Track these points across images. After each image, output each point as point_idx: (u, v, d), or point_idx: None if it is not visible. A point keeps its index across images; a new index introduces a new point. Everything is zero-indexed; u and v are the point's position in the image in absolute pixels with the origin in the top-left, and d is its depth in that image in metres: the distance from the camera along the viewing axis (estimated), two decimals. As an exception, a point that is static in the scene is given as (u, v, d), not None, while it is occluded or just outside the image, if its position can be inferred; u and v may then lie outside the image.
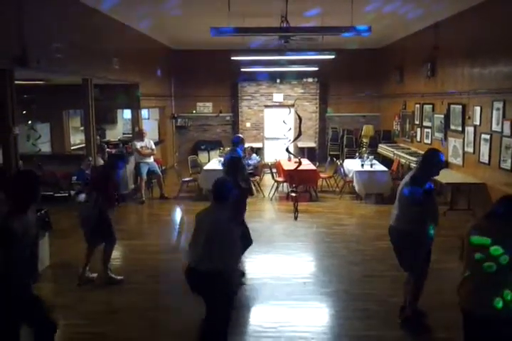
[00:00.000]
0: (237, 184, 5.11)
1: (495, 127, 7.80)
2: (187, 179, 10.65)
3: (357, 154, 11.81)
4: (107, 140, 13.78)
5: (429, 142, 10.73)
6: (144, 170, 9.97)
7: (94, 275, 5.76)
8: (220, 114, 15.41)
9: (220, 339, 3.80)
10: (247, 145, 8.71)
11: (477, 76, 8.52)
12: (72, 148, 12.25)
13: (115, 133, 14.77)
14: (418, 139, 11.62)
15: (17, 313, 3.39)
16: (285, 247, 6.97)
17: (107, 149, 11.40)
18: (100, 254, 5.75)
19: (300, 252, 6.83)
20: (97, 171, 7.08)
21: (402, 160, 10.92)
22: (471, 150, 8.71)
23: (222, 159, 10.06)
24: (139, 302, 5.15)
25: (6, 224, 3.32)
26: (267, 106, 15.44)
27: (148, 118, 14.17)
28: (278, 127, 13.95)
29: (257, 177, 10.78)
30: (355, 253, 6.73)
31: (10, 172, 6.08)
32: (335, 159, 11.82)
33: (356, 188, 9.84)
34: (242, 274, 5.88)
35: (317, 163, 11.72)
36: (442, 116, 9.95)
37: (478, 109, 8.40)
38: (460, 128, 9.15)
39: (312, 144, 15.18)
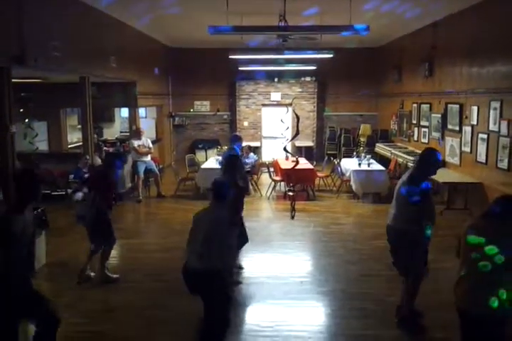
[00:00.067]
0: (234, 183, 5.12)
1: (492, 127, 7.81)
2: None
3: (354, 153, 11.84)
4: (104, 138, 13.75)
5: (427, 141, 10.74)
6: (141, 169, 9.95)
7: (93, 273, 5.76)
8: (218, 113, 15.39)
9: (218, 339, 3.80)
10: (244, 144, 8.69)
11: (475, 76, 8.53)
12: (69, 146, 12.22)
13: (112, 132, 14.74)
14: (415, 138, 11.64)
15: (17, 309, 3.39)
16: (282, 246, 6.97)
17: (104, 148, 11.40)
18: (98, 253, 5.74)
19: (297, 251, 6.83)
20: (96, 170, 7.06)
21: (400, 160, 10.93)
22: (468, 149, 8.72)
23: (219, 158, 10.07)
24: (136, 301, 5.15)
25: (5, 225, 3.31)
26: (264, 105, 15.43)
27: (146, 117, 14.15)
28: (276, 126, 13.93)
29: (255, 176, 10.78)
30: (352, 252, 6.74)
31: (7, 170, 6.06)
32: (332, 158, 11.84)
33: (353, 187, 9.85)
34: (240, 268, 5.89)
35: (314, 162, 11.72)
36: (440, 115, 9.97)
37: (475, 108, 8.41)
38: (457, 128, 9.16)
39: (310, 143, 15.19)
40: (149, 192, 10.49)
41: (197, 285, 3.75)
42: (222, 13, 7.87)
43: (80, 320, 4.72)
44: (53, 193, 9.16)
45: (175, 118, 15.26)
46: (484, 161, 8.09)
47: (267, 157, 14.32)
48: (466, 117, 8.79)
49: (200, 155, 14.15)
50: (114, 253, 5.93)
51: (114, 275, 5.70)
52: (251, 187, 9.80)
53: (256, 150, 13.63)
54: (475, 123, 8.43)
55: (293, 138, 8.19)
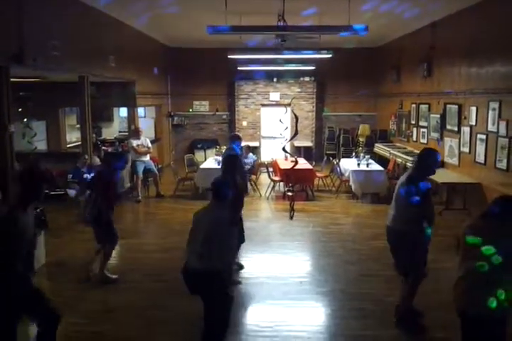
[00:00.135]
0: (234, 183, 5.12)
1: (491, 127, 7.82)
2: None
3: (353, 153, 11.85)
4: (103, 138, 13.75)
5: (425, 142, 10.75)
6: (140, 169, 9.95)
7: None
8: (217, 113, 15.38)
9: (218, 339, 3.80)
10: (243, 144, 8.69)
11: (473, 76, 8.54)
12: (68, 146, 12.21)
13: (111, 132, 14.72)
14: (414, 139, 11.65)
15: (17, 308, 3.39)
16: (281, 246, 6.97)
17: (103, 147, 11.40)
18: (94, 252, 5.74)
19: (296, 251, 6.83)
20: (96, 170, 7.05)
21: (399, 160, 10.94)
22: (466, 150, 8.73)
23: (218, 158, 10.07)
24: (135, 301, 5.14)
25: (10, 223, 3.32)
26: (263, 105, 15.43)
27: (145, 117, 14.13)
28: (274, 126, 13.93)
29: (254, 177, 10.78)
30: (351, 252, 6.75)
31: (6, 170, 6.05)
32: (331, 158, 11.84)
33: (352, 187, 9.86)
34: (240, 267, 5.89)
35: (313, 162, 11.75)
36: (438, 115, 9.98)
37: (474, 109, 8.42)
38: (456, 128, 9.17)
39: (309, 143, 15.19)
40: (148, 192, 10.48)
41: (197, 285, 3.74)
42: (220, 12, 7.86)
43: (79, 320, 4.71)
44: (52, 193, 9.15)
45: (174, 118, 15.25)
46: (483, 161, 8.10)
47: (266, 157, 14.32)
48: (465, 117, 8.80)
49: (199, 155, 14.15)
50: (113, 253, 5.92)
51: (114, 276, 5.69)
52: (250, 187, 9.80)
53: (255, 150, 13.62)
54: (474, 123, 8.44)
55: (292, 138, 8.15)
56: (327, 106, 15.38)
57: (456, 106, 9.12)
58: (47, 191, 8.85)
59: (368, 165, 10.11)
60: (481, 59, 8.26)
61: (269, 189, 10.39)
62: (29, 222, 3.48)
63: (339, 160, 11.35)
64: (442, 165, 9.46)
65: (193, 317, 4.24)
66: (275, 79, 15.10)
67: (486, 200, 7.68)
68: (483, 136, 8.06)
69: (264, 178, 11.49)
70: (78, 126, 10.89)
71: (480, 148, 8.20)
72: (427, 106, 10.78)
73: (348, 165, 10.41)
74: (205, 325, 3.78)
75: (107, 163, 5.98)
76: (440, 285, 4.98)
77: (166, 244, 7.08)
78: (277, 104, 15.10)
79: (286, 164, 10.03)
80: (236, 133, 10.90)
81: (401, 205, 4.45)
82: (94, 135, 11.19)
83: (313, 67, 12.40)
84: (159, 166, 11.81)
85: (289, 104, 13.69)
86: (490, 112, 7.82)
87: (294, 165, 6.64)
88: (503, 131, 7.42)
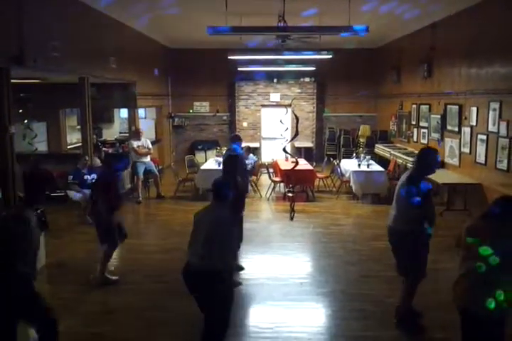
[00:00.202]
0: (235, 183, 5.12)
1: (491, 128, 7.81)
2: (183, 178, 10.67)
3: (354, 154, 11.84)
4: (103, 139, 13.75)
5: (426, 142, 10.74)
6: (141, 170, 9.95)
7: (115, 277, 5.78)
8: (217, 114, 15.38)
9: (218, 339, 3.79)
10: (243, 144, 8.69)
11: (474, 76, 8.53)
12: (68, 147, 12.20)
13: (112, 133, 14.72)
14: (415, 139, 11.64)
15: (17, 308, 3.39)
16: (282, 247, 6.96)
17: (104, 148, 11.40)
18: (101, 254, 5.73)
19: (297, 252, 6.82)
20: (98, 172, 7.05)
21: (399, 161, 10.94)
22: (467, 150, 8.72)
23: (219, 159, 10.07)
24: (135, 302, 5.14)
25: (21, 222, 3.35)
26: (264, 106, 15.43)
27: (145, 118, 14.14)
28: (275, 127, 13.93)
29: (254, 177, 10.78)
30: (352, 253, 6.74)
31: (6, 171, 6.05)
32: (332, 159, 11.83)
33: (353, 188, 9.85)
34: (240, 268, 5.89)
35: (314, 163, 11.73)
36: (439, 116, 9.97)
37: (474, 109, 8.42)
38: (456, 129, 9.17)
39: (309, 144, 15.19)
40: (149, 193, 10.48)
41: (198, 286, 3.74)
42: (221, 13, 7.86)
43: (79, 321, 4.71)
44: (52, 194, 9.14)
45: (174, 119, 15.25)
46: (483, 162, 8.09)
47: (266, 158, 14.31)
48: (466, 118, 8.79)
49: (199, 156, 14.15)
50: (113, 254, 5.91)
51: (114, 277, 5.69)
52: (250, 188, 9.80)
53: (255, 151, 13.62)
54: (474, 124, 8.44)
55: (292, 139, 8.17)
56: (327, 107, 15.38)
57: (457, 107, 9.12)
58: (47, 192, 8.91)
59: (368, 165, 10.10)
60: (480, 59, 8.26)
61: (270, 190, 10.39)
62: (35, 222, 3.53)
63: (340, 161, 11.35)
64: (443, 165, 9.46)
65: (194, 318, 4.23)
66: (275, 80, 15.10)
67: (486, 201, 7.67)
68: (484, 137, 8.06)
69: (264, 179, 11.49)
70: (79, 127, 10.89)
71: (480, 149, 8.20)
72: (427, 106, 10.78)
73: (348, 165, 10.41)
74: (205, 325, 3.77)
75: (108, 164, 5.98)
76: (439, 285, 4.99)
77: (166, 244, 7.08)
78: (278, 105, 15.10)
79: (286, 165, 10.02)
80: (237, 133, 10.90)
81: (402, 206, 4.45)
82: (94, 136, 11.18)
83: (313, 68, 12.40)
84: (160, 167, 11.81)
85: (290, 105, 13.67)
86: (490, 113, 7.82)
87: (295, 166, 6.65)
88: (503, 131, 7.42)
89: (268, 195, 10.33)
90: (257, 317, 4.94)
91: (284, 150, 7.36)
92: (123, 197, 9.59)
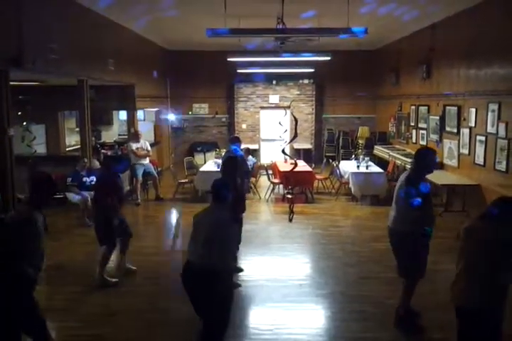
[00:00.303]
0: (234, 185, 5.12)
1: (490, 129, 7.82)
2: (183, 181, 10.65)
3: (353, 156, 11.85)
4: (102, 141, 13.74)
5: (425, 143, 10.74)
6: (140, 172, 9.94)
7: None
8: (216, 116, 15.40)
9: (217, 340, 3.79)
10: (243, 146, 8.69)
11: (473, 78, 8.55)
12: (67, 149, 12.19)
13: (111, 135, 14.71)
14: (413, 141, 11.65)
15: (16, 309, 3.39)
16: (281, 249, 6.96)
17: (102, 151, 11.39)
18: (99, 256, 5.74)
19: (296, 254, 6.82)
20: (97, 175, 7.05)
21: (398, 162, 10.94)
22: (466, 151, 8.73)
23: (218, 161, 10.07)
24: (136, 304, 5.13)
25: (32, 223, 3.36)
26: (262, 108, 15.44)
27: (144, 120, 14.14)
28: (274, 129, 13.93)
29: (253, 179, 10.78)
30: (351, 254, 6.73)
31: (5, 173, 6.05)
32: (331, 160, 11.83)
33: (352, 190, 9.86)
34: (240, 270, 5.89)
35: (313, 165, 11.75)
36: (438, 117, 9.98)
37: (473, 110, 8.42)
38: (455, 130, 9.17)
39: (308, 146, 15.20)
40: (148, 195, 10.48)
41: (197, 286, 3.73)
42: (219, 15, 7.86)
43: (79, 323, 4.71)
44: (51, 196, 9.14)
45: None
46: (482, 163, 8.10)
47: (265, 159, 14.33)
48: (464, 119, 8.80)
49: (198, 158, 14.14)
50: (113, 256, 5.91)
51: (113, 280, 5.68)
52: (249, 189, 9.80)
53: (254, 152, 13.62)
54: (473, 125, 8.45)
55: (291, 141, 8.15)
56: (326, 109, 15.39)
57: (456, 108, 9.13)
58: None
59: (367, 167, 10.11)
60: (479, 61, 8.27)
61: (269, 191, 10.39)
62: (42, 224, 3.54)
63: (339, 163, 11.36)
64: (442, 166, 9.47)
65: (194, 320, 4.22)
66: (274, 82, 15.13)
67: (485, 202, 7.67)
68: (483, 138, 8.06)
69: (263, 181, 11.49)
70: (77, 129, 10.88)
71: (479, 150, 8.20)
72: (426, 108, 10.79)
73: (347, 167, 10.42)
74: (203, 326, 3.77)
75: (107, 166, 5.98)
76: (438, 286, 5.01)
77: (164, 247, 7.07)
78: (277, 107, 15.11)
79: (285, 166, 10.03)
80: (236, 135, 10.90)
81: (401, 206, 4.45)
82: (93, 138, 11.18)
83: (312, 70, 12.42)
84: (159, 169, 11.81)
85: (289, 107, 13.70)
86: (489, 114, 7.82)
87: (294, 168, 6.61)
88: (502, 132, 7.42)
89: (267, 196, 10.32)
90: (257, 318, 4.93)
91: (283, 151, 7.34)
92: (124, 199, 9.65)
